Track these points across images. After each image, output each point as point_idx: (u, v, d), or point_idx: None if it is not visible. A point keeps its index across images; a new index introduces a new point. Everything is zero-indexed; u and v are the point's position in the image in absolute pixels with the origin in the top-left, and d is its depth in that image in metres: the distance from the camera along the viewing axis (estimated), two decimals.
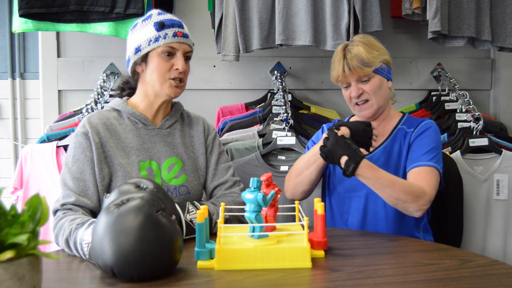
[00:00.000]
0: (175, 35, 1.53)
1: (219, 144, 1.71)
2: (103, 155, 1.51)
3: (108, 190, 1.51)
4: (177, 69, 1.54)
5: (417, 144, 1.65)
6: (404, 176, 1.64)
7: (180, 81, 1.57)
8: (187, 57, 1.58)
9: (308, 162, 1.65)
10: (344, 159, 1.50)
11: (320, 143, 1.58)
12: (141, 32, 1.55)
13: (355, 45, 1.68)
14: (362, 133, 1.58)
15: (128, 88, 1.69)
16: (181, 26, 1.56)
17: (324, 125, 1.87)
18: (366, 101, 1.68)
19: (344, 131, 1.56)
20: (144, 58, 1.55)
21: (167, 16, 1.57)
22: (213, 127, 1.75)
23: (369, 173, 1.50)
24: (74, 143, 1.53)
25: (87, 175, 1.48)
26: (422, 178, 1.57)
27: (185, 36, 1.56)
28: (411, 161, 1.63)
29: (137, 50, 1.55)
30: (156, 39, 1.52)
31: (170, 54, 1.54)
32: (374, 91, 1.66)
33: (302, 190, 1.70)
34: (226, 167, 1.69)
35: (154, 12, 1.58)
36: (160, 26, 1.53)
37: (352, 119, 1.83)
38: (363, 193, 1.67)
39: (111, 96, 2.45)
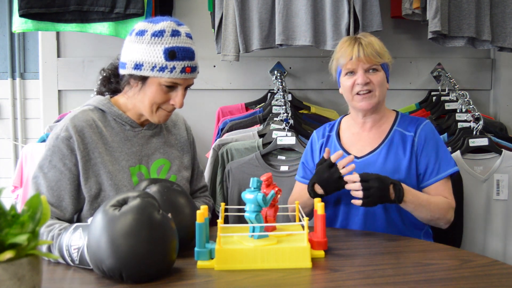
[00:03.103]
0: (183, 70, 1.39)
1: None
2: (90, 163, 1.41)
3: (97, 199, 1.42)
4: (173, 104, 1.45)
5: (426, 155, 1.66)
6: (402, 180, 1.63)
7: (172, 110, 1.48)
8: (188, 86, 1.48)
9: (301, 205, 1.64)
10: (391, 189, 1.51)
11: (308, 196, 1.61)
12: (148, 49, 1.38)
13: (366, 36, 1.67)
14: (329, 180, 1.54)
15: (109, 90, 1.56)
16: (192, 58, 1.41)
17: (314, 132, 1.84)
18: (369, 91, 1.64)
19: (317, 189, 1.57)
20: (143, 78, 1.42)
21: (181, 41, 1.39)
22: (190, 127, 1.70)
23: (411, 195, 1.55)
24: (52, 147, 1.40)
25: (63, 185, 1.38)
26: (444, 192, 1.64)
27: (193, 70, 1.42)
28: (429, 175, 1.65)
29: (137, 66, 1.40)
30: (162, 69, 1.38)
31: (172, 87, 1.43)
32: (379, 83, 1.65)
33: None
34: (202, 171, 1.74)
35: (168, 28, 1.39)
36: (170, 56, 1.37)
37: (344, 119, 1.81)
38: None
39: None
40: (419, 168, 1.66)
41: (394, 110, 1.80)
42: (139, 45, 1.40)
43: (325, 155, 1.58)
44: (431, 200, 1.60)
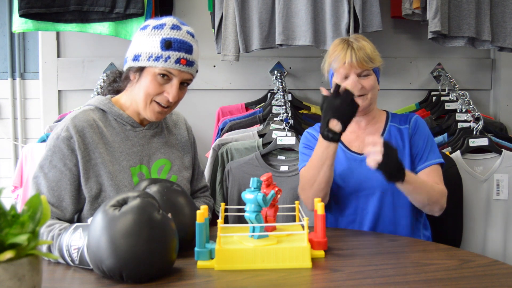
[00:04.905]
0: (177, 61, 1.39)
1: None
2: (90, 163, 1.40)
3: (98, 200, 1.42)
4: (166, 96, 1.43)
5: (418, 141, 1.70)
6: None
7: (167, 107, 1.46)
8: (185, 83, 1.47)
9: (317, 167, 1.58)
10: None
11: (324, 144, 1.55)
12: (147, 40, 1.41)
13: (358, 40, 1.69)
14: (341, 105, 1.51)
15: (113, 90, 1.57)
16: (188, 51, 1.42)
17: (307, 130, 1.83)
18: (361, 95, 1.66)
19: (333, 125, 1.53)
20: (140, 70, 1.43)
21: (179, 34, 1.41)
22: (191, 127, 1.70)
23: (411, 175, 1.55)
24: (53, 147, 1.40)
25: (63, 185, 1.38)
26: (435, 177, 1.66)
27: (189, 64, 1.42)
28: (419, 160, 1.69)
29: (136, 58, 1.43)
30: (157, 58, 1.39)
31: (166, 77, 1.41)
32: (371, 87, 1.67)
33: (324, 194, 1.62)
34: (202, 171, 1.74)
35: (169, 22, 1.43)
36: (166, 45, 1.39)
37: None
38: (364, 194, 1.68)
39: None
40: (412, 153, 1.70)
41: (383, 110, 1.83)
42: (140, 38, 1.44)
43: (325, 93, 1.57)
44: (427, 183, 1.62)
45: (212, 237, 1.36)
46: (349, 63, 1.64)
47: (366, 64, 1.64)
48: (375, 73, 1.70)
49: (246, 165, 2.22)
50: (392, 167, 1.46)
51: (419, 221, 1.72)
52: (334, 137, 1.54)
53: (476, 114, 2.37)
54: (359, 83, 1.65)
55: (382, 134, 1.73)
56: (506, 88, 2.84)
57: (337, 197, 1.73)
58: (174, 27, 1.42)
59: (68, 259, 1.21)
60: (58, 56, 2.72)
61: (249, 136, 2.35)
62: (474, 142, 2.26)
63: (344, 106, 1.52)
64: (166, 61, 1.39)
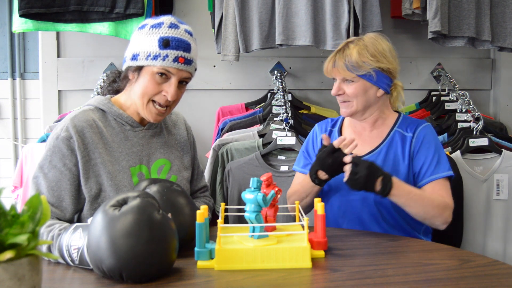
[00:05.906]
0: (175, 59, 1.39)
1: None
2: (90, 163, 1.40)
3: (97, 200, 1.42)
4: (165, 95, 1.43)
5: (423, 154, 1.64)
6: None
7: (166, 107, 1.46)
8: (184, 82, 1.46)
9: (301, 196, 1.67)
10: (379, 181, 1.48)
11: (311, 183, 1.60)
12: (145, 40, 1.41)
13: (356, 44, 1.64)
14: (333, 164, 1.54)
15: (113, 90, 1.57)
16: (186, 50, 1.41)
17: (316, 125, 1.84)
18: (346, 101, 1.66)
19: (321, 175, 1.57)
20: (138, 69, 1.43)
21: (177, 33, 1.41)
22: (190, 127, 1.70)
23: (401, 190, 1.51)
24: (52, 147, 1.40)
25: (63, 185, 1.38)
26: (441, 191, 1.61)
27: (187, 62, 1.41)
28: (424, 174, 1.63)
29: (134, 57, 1.43)
30: (155, 57, 1.39)
31: (165, 75, 1.41)
32: (354, 94, 1.63)
33: (307, 211, 1.69)
34: (202, 171, 1.73)
35: (167, 21, 1.42)
36: (164, 44, 1.38)
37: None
38: (359, 197, 1.65)
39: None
40: (415, 167, 1.65)
41: (396, 111, 1.77)
42: (138, 37, 1.44)
43: (325, 142, 1.59)
44: (424, 196, 1.57)
45: (212, 237, 1.36)
46: (331, 69, 1.66)
47: (343, 72, 1.62)
48: (367, 79, 1.63)
49: (246, 165, 2.22)
50: (360, 184, 1.47)
51: (418, 229, 1.69)
52: (320, 183, 1.61)
53: (476, 114, 2.37)
54: (342, 89, 1.65)
55: (384, 140, 1.69)
56: (506, 88, 2.84)
57: (328, 198, 1.72)
58: (172, 26, 1.42)
59: (68, 259, 1.21)
60: (58, 56, 2.72)
61: (249, 136, 2.35)
62: (474, 142, 2.26)
63: (334, 165, 1.55)
64: (164, 59, 1.39)
